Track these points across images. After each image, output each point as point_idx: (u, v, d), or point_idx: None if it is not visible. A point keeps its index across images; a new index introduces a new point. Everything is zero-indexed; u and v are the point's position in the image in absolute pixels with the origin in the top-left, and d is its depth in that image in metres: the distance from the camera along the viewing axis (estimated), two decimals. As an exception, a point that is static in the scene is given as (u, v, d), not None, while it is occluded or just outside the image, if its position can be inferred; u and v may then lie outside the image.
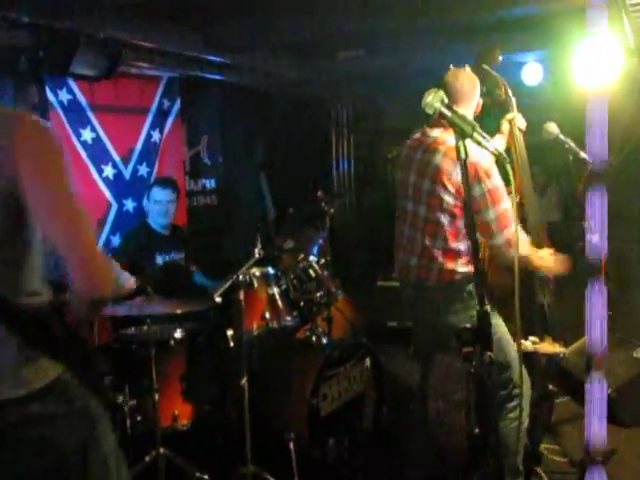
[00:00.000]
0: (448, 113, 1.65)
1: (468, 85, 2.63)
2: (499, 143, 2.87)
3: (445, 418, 2.61)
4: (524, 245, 2.52)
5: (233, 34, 4.25)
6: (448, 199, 2.48)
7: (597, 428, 2.96)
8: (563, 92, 2.89)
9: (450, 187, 2.47)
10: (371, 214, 6.22)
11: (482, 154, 2.44)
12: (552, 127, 2.65)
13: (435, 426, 2.71)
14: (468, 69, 2.68)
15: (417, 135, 2.74)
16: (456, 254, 2.53)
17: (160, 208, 3.86)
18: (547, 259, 2.64)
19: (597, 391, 2.93)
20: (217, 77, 4.71)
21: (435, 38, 4.34)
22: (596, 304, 3.02)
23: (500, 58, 3.06)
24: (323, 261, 3.70)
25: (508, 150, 2.95)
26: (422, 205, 2.59)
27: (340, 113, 6.53)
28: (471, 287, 2.49)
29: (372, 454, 3.47)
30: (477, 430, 1.69)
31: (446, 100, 1.66)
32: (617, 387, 3.30)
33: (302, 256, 3.81)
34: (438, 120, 2.57)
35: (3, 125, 1.42)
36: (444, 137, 2.58)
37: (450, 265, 2.54)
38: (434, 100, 1.65)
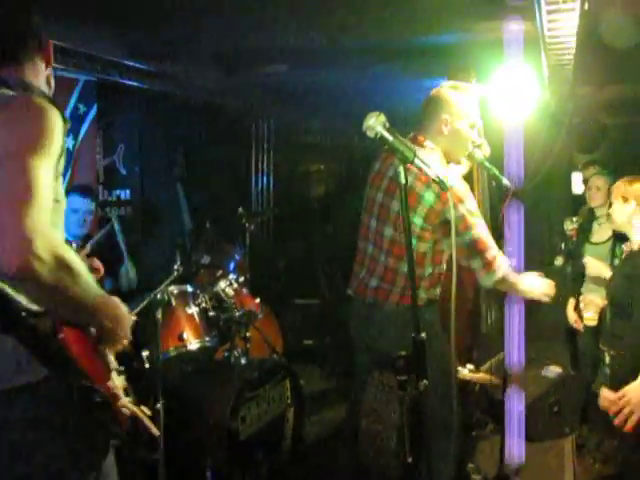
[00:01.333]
0: (389, 137, 1.62)
1: (431, 106, 2.60)
2: (461, 169, 2.80)
3: (376, 439, 2.58)
4: (504, 268, 2.50)
5: (156, 41, 4.11)
6: (417, 222, 2.44)
7: (515, 441, 3.05)
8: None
9: (419, 210, 2.42)
10: (288, 231, 6.18)
11: (455, 179, 2.44)
12: (476, 153, 2.69)
13: (365, 446, 2.67)
14: (434, 90, 2.63)
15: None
16: (420, 279, 2.50)
17: (78, 217, 3.59)
18: (529, 281, 2.64)
19: (514, 405, 3.02)
20: (137, 84, 4.53)
21: (358, 58, 4.37)
22: (514, 323, 3.13)
23: (473, 80, 3.06)
24: (242, 279, 3.61)
25: (470, 177, 2.94)
26: (388, 226, 2.54)
27: (261, 127, 6.47)
28: (429, 314, 2.48)
29: (292, 476, 3.40)
30: (410, 459, 1.66)
31: (387, 124, 1.63)
32: (526, 404, 3.41)
33: (220, 273, 3.71)
34: (414, 138, 2.56)
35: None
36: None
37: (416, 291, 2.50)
38: (376, 123, 1.62)
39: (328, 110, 5.99)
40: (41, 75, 1.76)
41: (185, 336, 3.15)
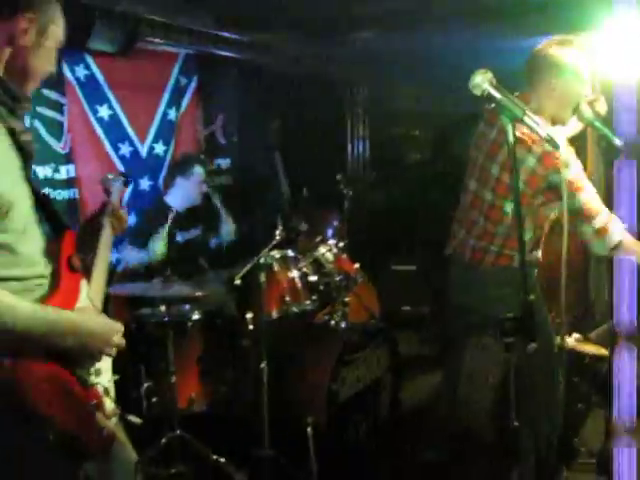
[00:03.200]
0: (497, 95, 1.58)
1: (540, 66, 2.46)
2: (571, 128, 2.67)
3: (473, 403, 2.56)
4: (618, 233, 2.38)
5: (249, 11, 4.17)
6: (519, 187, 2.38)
7: (626, 400, 2.92)
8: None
9: (520, 175, 2.33)
10: (386, 197, 6.16)
11: (561, 142, 2.35)
12: (587, 111, 2.56)
13: (462, 410, 2.66)
14: (538, 48, 2.48)
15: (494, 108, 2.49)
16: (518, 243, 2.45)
17: (203, 188, 3.84)
18: None
19: (624, 377, 2.89)
20: (233, 55, 4.62)
21: (451, 21, 4.24)
22: (625, 287, 2.98)
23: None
24: (342, 244, 3.65)
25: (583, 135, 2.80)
26: (487, 190, 2.50)
27: (355, 94, 6.44)
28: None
29: (389, 439, 3.45)
30: (516, 423, 1.64)
31: (494, 81, 1.59)
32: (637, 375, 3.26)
33: (319, 239, 3.76)
34: (520, 97, 2.49)
35: None
36: None
37: (509, 251, 2.46)
38: (482, 81, 1.58)
39: (423, 75, 5.87)
40: None
41: (287, 299, 3.23)
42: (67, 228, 1.71)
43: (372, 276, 4.73)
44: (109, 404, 1.67)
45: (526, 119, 1.57)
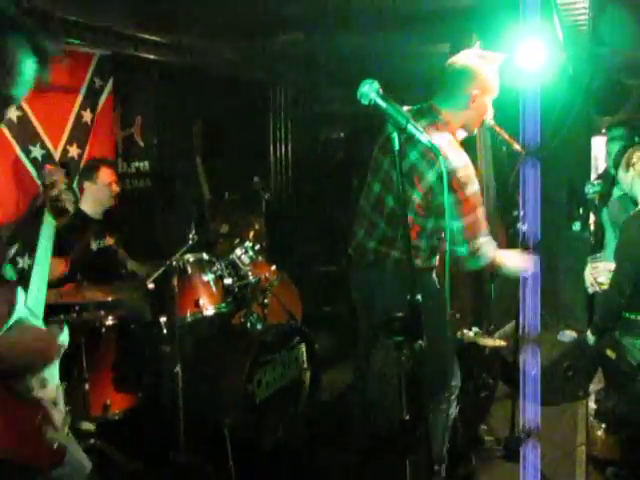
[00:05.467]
0: (383, 104, 1.65)
1: (457, 77, 2.55)
2: (461, 134, 2.77)
3: (384, 400, 2.65)
4: (490, 250, 2.52)
5: (169, 12, 4.14)
6: (415, 198, 2.47)
7: (529, 404, 3.10)
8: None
9: (419, 188, 2.45)
10: (310, 199, 6.22)
11: (460, 161, 2.43)
12: (487, 119, 2.69)
13: (374, 407, 2.75)
14: (460, 59, 2.57)
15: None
16: (416, 249, 2.53)
17: (113, 190, 3.78)
18: (513, 260, 2.65)
19: (529, 369, 3.07)
20: (152, 57, 4.58)
21: (373, 24, 4.34)
22: (529, 289, 3.16)
23: (477, 43, 3.02)
24: (259, 247, 3.68)
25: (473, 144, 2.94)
26: (390, 195, 2.57)
27: (278, 96, 6.47)
28: (427, 277, 2.55)
29: (308, 439, 3.50)
30: (407, 417, 1.72)
31: (381, 91, 1.66)
32: (541, 367, 3.45)
33: (237, 241, 3.79)
34: (431, 107, 2.55)
35: None
36: (428, 132, 2.50)
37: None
38: (369, 90, 1.65)
39: (345, 77, 5.97)
40: None
41: (201, 302, 3.24)
42: None
43: (294, 278, 4.79)
44: (58, 415, 1.64)
45: (409, 127, 1.64)
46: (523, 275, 3.07)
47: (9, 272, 1.68)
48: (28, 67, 1.44)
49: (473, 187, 2.46)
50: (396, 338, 1.67)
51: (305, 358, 3.59)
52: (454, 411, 2.71)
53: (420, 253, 2.54)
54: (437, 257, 2.65)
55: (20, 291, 1.69)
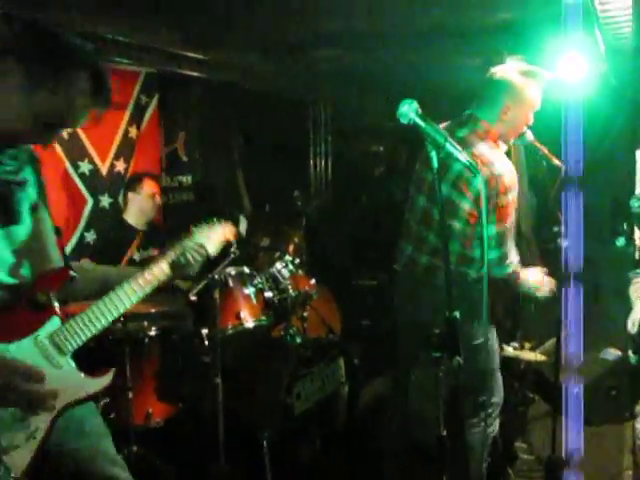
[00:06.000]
0: (421, 123, 1.68)
1: (494, 89, 2.58)
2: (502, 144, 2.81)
3: (423, 415, 2.65)
4: (515, 264, 2.57)
5: (212, 31, 4.25)
6: (464, 206, 2.49)
7: (572, 426, 3.05)
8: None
9: (468, 195, 2.47)
10: (350, 214, 6.26)
11: (505, 167, 2.47)
12: (527, 134, 2.69)
13: (413, 422, 2.74)
14: (500, 70, 2.59)
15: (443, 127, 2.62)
16: (470, 260, 2.56)
17: (155, 202, 3.91)
18: (535, 279, 2.68)
19: (572, 387, 3.02)
20: (195, 74, 4.70)
21: (413, 38, 4.38)
22: (571, 305, 3.12)
23: (507, 60, 3.04)
24: (298, 260, 3.72)
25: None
26: (437, 208, 2.59)
27: (319, 111, 6.54)
28: (476, 291, 2.53)
29: (345, 452, 3.50)
30: (444, 432, 1.73)
31: (420, 111, 1.69)
32: (584, 386, 3.39)
33: (278, 255, 3.83)
34: (469, 117, 2.58)
35: None
36: (470, 140, 2.53)
37: (462, 269, 2.56)
38: (408, 110, 1.68)
39: (387, 91, 6.01)
40: None
41: (242, 315, 3.28)
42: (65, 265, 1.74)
43: (334, 291, 4.81)
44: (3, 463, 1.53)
45: (447, 146, 1.67)
46: (567, 290, 3.04)
47: (46, 299, 1.66)
48: (79, 87, 1.54)
49: (514, 194, 2.48)
50: (434, 354, 1.69)
51: (343, 372, 3.60)
52: (495, 428, 2.69)
53: (474, 264, 2.55)
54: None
55: (55, 320, 1.67)
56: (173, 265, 1.95)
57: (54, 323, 1.65)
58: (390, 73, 5.34)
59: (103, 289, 1.78)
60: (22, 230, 1.65)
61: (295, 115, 6.09)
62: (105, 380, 1.76)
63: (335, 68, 5.37)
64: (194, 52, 4.60)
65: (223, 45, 4.58)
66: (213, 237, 2.21)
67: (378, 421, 3.79)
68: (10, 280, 1.62)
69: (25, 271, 1.66)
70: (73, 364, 1.70)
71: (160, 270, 1.90)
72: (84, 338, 1.70)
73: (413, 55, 4.77)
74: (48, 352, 1.63)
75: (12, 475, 1.54)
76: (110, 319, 1.76)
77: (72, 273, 1.74)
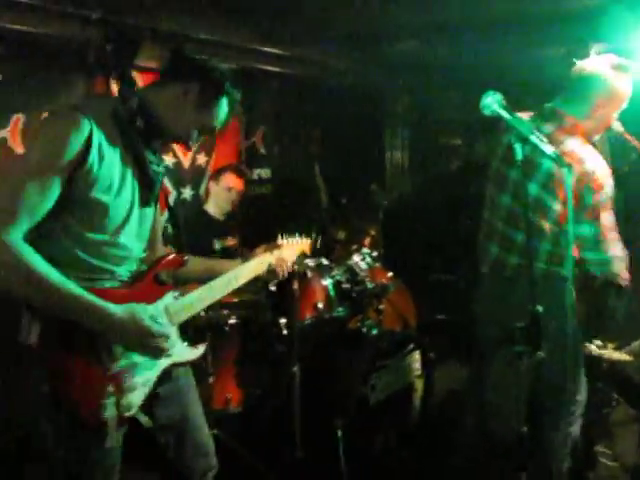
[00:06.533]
0: (506, 115, 1.66)
1: (585, 83, 2.47)
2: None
3: (501, 411, 2.61)
4: (619, 256, 2.45)
5: (290, 26, 4.31)
6: (556, 207, 2.42)
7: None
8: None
9: (560, 195, 2.38)
10: (426, 208, 6.20)
11: (597, 162, 2.38)
12: (615, 124, 2.59)
13: (490, 418, 2.71)
14: (589, 65, 2.48)
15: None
16: (561, 259, 2.48)
17: (231, 195, 4.01)
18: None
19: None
20: (274, 69, 4.77)
21: (492, 29, 4.29)
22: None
23: (594, 53, 2.94)
24: (376, 253, 3.74)
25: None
26: (524, 207, 2.54)
27: (394, 104, 6.51)
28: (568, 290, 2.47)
29: (418, 445, 3.50)
30: (524, 429, 1.71)
31: (504, 102, 1.67)
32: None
33: (355, 247, 3.86)
34: (553, 111, 2.49)
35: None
36: (558, 136, 2.43)
37: (553, 268, 2.50)
38: (492, 102, 1.67)
39: (464, 83, 5.91)
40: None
41: (320, 306, 3.34)
42: (181, 251, 2.05)
43: (410, 285, 4.80)
44: (126, 400, 1.82)
45: (532, 138, 1.64)
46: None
47: (166, 277, 1.93)
48: (222, 108, 1.98)
49: (609, 189, 2.39)
50: (517, 348, 1.67)
51: (419, 365, 3.60)
52: (577, 428, 2.61)
53: (565, 263, 2.48)
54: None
55: (170, 296, 1.95)
56: (269, 268, 2.33)
57: (169, 298, 1.95)
58: (469, 65, 5.24)
59: (204, 276, 2.14)
60: (150, 213, 1.98)
61: (372, 108, 6.08)
62: (199, 351, 2.08)
63: (413, 60, 5.32)
64: (273, 47, 4.67)
65: (301, 40, 4.64)
66: (295, 251, 2.56)
67: (453, 416, 3.77)
68: (143, 255, 1.98)
69: (149, 249, 2.03)
70: (178, 333, 2.00)
71: (260, 267, 2.31)
72: (189, 314, 2.01)
73: (492, 46, 4.67)
74: (164, 320, 1.91)
75: (129, 412, 1.83)
76: (210, 302, 2.10)
77: (186, 258, 2.04)
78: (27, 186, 1.64)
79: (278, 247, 2.42)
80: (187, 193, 4.45)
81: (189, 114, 1.90)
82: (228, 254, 4.05)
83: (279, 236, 2.49)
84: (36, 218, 1.67)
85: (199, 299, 2.05)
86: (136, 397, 1.87)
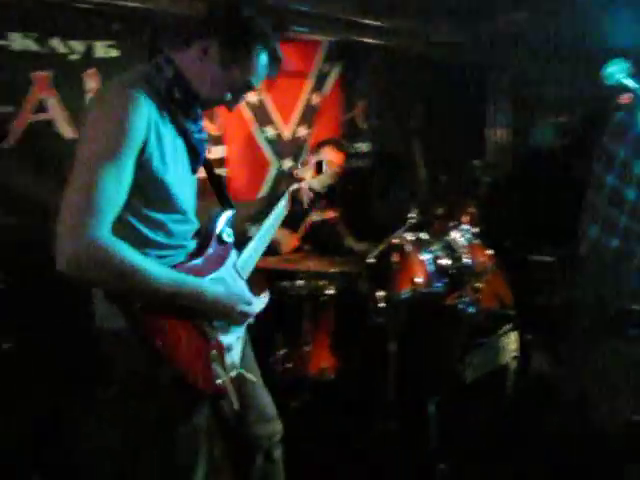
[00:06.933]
0: (632, 85, 1.58)
1: None
2: None
3: (604, 398, 2.53)
4: None
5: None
6: None
7: None
8: None
9: None
10: (528, 186, 6.00)
11: None
12: None
13: (592, 405, 2.63)
14: None
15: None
16: None
17: (330, 167, 4.03)
18: None
19: None
20: (376, 42, 4.73)
21: (598, 3, 4.06)
22: None
23: None
24: (475, 230, 3.67)
25: None
26: (631, 188, 2.42)
27: (497, 79, 6.31)
28: None
29: (511, 426, 3.45)
30: (636, 417, 1.65)
31: (630, 71, 1.58)
32: None
33: (453, 224, 3.80)
34: None
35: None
36: None
37: None
38: (618, 70, 1.59)
39: (571, 59, 5.64)
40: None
41: (417, 280, 3.32)
42: (229, 207, 2.02)
43: (507, 264, 4.67)
44: (229, 359, 1.88)
45: (663, 109, 1.55)
46: None
47: (227, 236, 1.93)
48: (263, 65, 1.81)
49: None
50: (632, 331, 1.61)
51: (515, 346, 3.53)
52: None
53: None
54: None
55: (234, 253, 1.97)
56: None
57: (234, 255, 1.96)
58: (577, 38, 4.99)
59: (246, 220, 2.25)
60: (195, 181, 1.95)
61: (475, 83, 5.91)
62: (265, 300, 2.03)
63: (518, 33, 5.13)
64: (375, 20, 4.63)
65: (404, 12, 4.57)
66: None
67: (547, 399, 3.68)
68: (197, 223, 1.94)
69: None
70: (247, 286, 2.00)
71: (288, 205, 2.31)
72: (252, 266, 2.05)
73: (601, 19, 4.42)
74: (235, 277, 1.94)
75: (234, 372, 1.90)
76: (263, 249, 2.14)
77: (233, 212, 2.01)
78: (103, 175, 1.53)
79: (298, 180, 2.44)
80: (287, 165, 4.52)
81: (215, 74, 1.77)
82: (325, 226, 4.10)
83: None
84: (118, 207, 1.59)
85: (255, 249, 2.08)
86: (235, 354, 1.93)
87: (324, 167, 2.48)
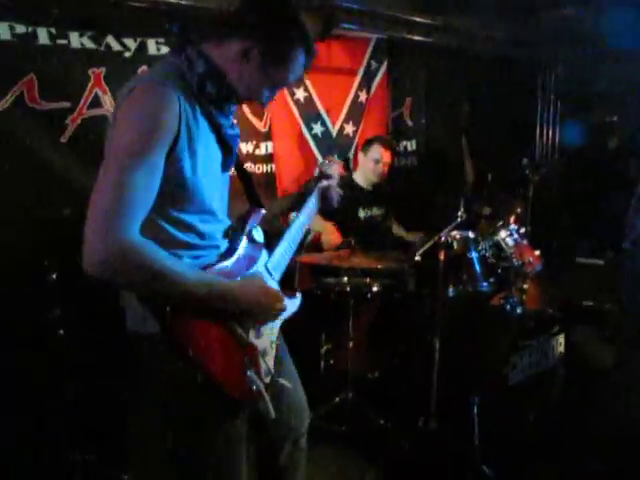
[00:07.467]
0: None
1: None
2: None
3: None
4: None
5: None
6: None
7: None
8: None
9: None
10: (577, 186, 5.89)
11: None
12: None
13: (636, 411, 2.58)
14: None
15: None
16: None
17: (377, 167, 4.06)
18: None
19: None
20: (423, 39, 4.71)
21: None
22: None
23: None
24: (523, 230, 3.62)
25: None
26: None
27: (547, 76, 6.19)
28: None
29: (556, 431, 3.39)
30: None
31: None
32: None
33: (501, 223, 3.76)
34: None
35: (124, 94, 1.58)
36: None
37: None
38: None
39: (621, 56, 5.51)
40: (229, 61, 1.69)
41: (464, 279, 3.30)
42: (258, 204, 1.97)
43: (554, 266, 4.60)
44: (264, 364, 1.82)
45: None
46: None
47: (257, 235, 1.91)
48: (301, 64, 1.76)
49: None
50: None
51: (562, 349, 3.47)
52: None
53: None
54: None
55: (264, 252, 1.93)
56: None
57: (265, 255, 1.93)
58: (627, 35, 4.87)
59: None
60: (227, 178, 1.89)
61: (523, 81, 5.82)
62: (298, 301, 2.00)
63: (567, 30, 5.03)
64: (423, 17, 4.61)
65: (453, 9, 4.53)
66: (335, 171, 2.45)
67: (593, 404, 3.61)
68: (229, 222, 1.88)
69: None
70: (279, 286, 1.97)
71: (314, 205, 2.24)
72: (283, 267, 2.00)
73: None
74: (267, 277, 1.90)
75: (268, 378, 1.84)
76: (294, 249, 2.08)
77: (264, 211, 1.96)
78: (134, 174, 1.47)
79: (320, 179, 2.34)
80: (334, 162, 4.53)
81: (253, 75, 1.70)
82: (372, 223, 4.11)
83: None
84: (148, 207, 1.53)
85: (286, 249, 2.03)
86: (269, 360, 1.86)
87: (351, 165, 2.43)
